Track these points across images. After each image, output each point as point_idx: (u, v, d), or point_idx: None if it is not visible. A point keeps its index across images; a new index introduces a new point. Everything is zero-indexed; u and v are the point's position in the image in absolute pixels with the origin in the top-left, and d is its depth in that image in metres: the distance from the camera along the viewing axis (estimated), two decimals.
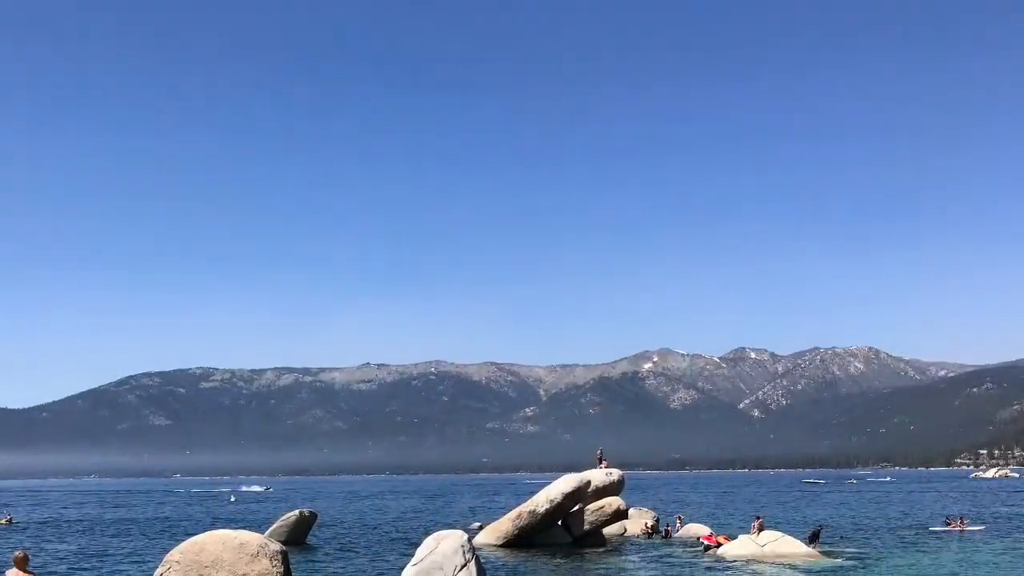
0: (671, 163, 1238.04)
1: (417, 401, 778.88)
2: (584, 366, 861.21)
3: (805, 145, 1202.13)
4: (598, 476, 45.44)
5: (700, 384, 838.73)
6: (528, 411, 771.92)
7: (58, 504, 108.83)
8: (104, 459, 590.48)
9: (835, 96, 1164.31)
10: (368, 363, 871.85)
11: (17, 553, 14.92)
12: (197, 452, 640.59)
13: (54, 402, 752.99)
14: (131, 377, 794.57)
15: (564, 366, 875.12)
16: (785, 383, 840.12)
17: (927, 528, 52.20)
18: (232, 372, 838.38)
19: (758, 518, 41.90)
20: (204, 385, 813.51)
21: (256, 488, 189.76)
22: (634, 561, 37.02)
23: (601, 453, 50.56)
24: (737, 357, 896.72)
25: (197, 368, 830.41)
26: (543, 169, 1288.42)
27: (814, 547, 37.82)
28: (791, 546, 36.71)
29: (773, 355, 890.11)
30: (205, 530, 16.29)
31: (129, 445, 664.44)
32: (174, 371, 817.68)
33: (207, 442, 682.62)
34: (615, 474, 46.53)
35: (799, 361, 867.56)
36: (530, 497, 44.37)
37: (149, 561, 35.64)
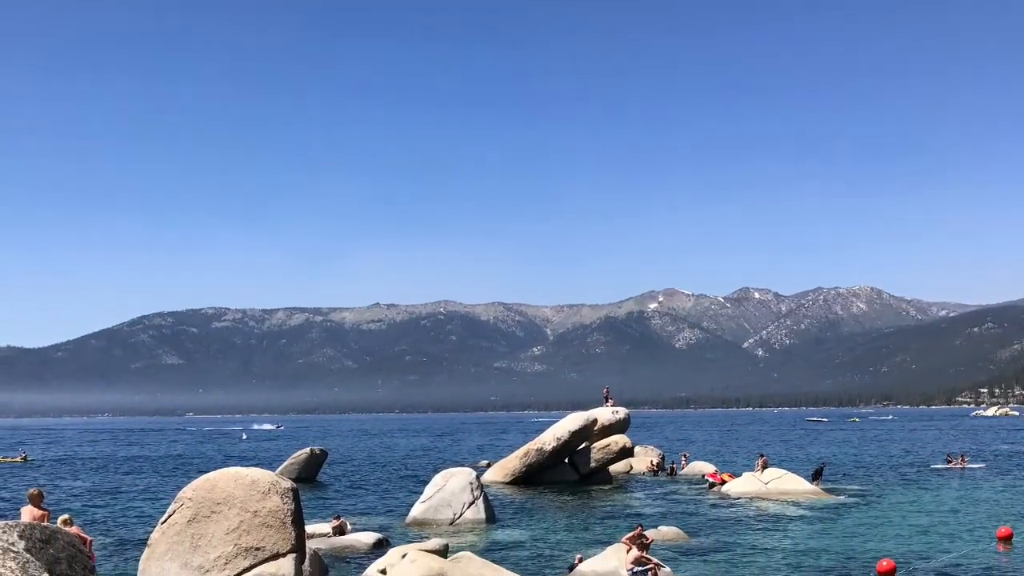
0: (677, 106, 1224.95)
1: (426, 341, 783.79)
2: (590, 306, 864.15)
3: (808, 88, 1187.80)
4: (604, 414, 45.87)
5: (705, 324, 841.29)
6: (535, 350, 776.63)
7: (72, 442, 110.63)
8: (118, 397, 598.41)
9: (837, 39, 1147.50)
10: (378, 303, 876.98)
11: (32, 490, 15.19)
12: (209, 391, 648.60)
13: (69, 342, 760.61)
14: (144, 317, 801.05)
15: (571, 306, 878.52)
16: (788, 323, 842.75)
17: (928, 466, 52.75)
18: (244, 312, 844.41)
19: (762, 456, 42.31)
20: (216, 325, 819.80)
21: (267, 426, 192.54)
22: (640, 498, 37.56)
23: (607, 391, 50.98)
24: (741, 297, 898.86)
25: (209, 308, 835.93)
26: (551, 110, 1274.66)
27: (817, 484, 38.25)
28: (794, 483, 37.13)
29: (777, 295, 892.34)
30: (217, 468, 16.51)
31: (142, 384, 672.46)
32: (186, 311, 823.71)
33: (219, 381, 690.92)
34: (621, 412, 46.95)
35: (802, 301, 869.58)
36: (537, 435, 44.87)
37: (162, 498, 36.32)
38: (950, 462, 51.63)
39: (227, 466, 16.52)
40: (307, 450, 47.30)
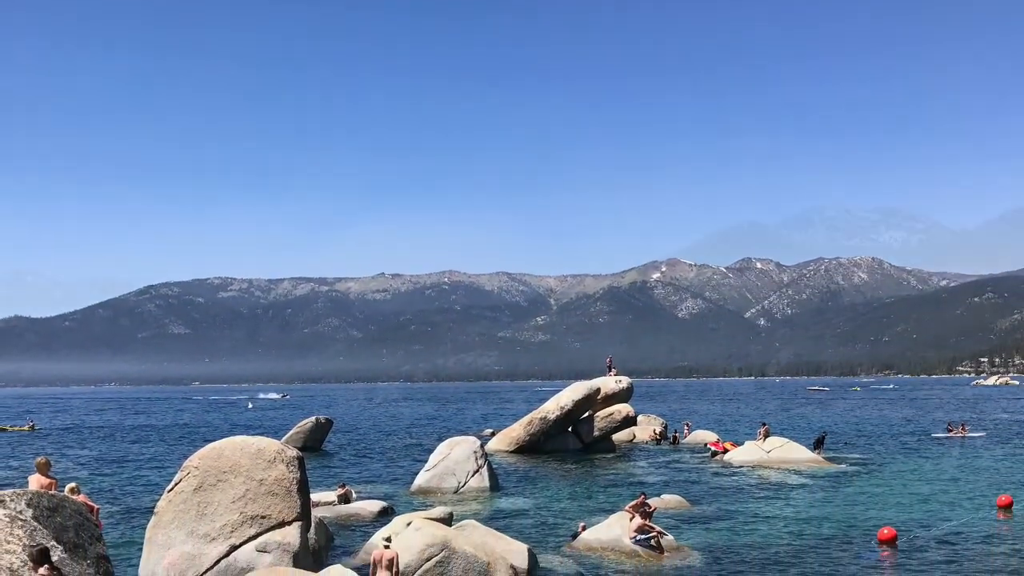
0: (678, 80, 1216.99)
1: (430, 310, 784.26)
2: (594, 276, 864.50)
3: (803, 62, 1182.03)
4: (607, 383, 46.04)
5: (707, 293, 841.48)
6: (539, 320, 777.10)
7: (80, 411, 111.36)
8: (124, 367, 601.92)
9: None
10: (383, 273, 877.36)
11: (39, 459, 15.30)
12: (215, 360, 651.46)
13: (76, 311, 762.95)
14: (151, 287, 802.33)
15: (574, 276, 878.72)
16: (790, 292, 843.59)
17: (929, 434, 52.92)
18: (250, 282, 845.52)
19: (764, 425, 42.52)
20: (222, 295, 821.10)
21: (273, 395, 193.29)
22: (643, 467, 37.78)
23: (611, 360, 51.08)
24: (743, 267, 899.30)
25: (216, 278, 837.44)
26: (556, 84, 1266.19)
27: (819, 453, 38.50)
28: (796, 452, 37.34)
29: (779, 265, 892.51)
30: (223, 436, 16.62)
31: (149, 353, 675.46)
32: (193, 281, 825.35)
33: (225, 350, 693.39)
34: (624, 381, 47.10)
35: (804, 271, 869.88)
36: (541, 404, 45.06)
37: (168, 467, 36.63)
38: (951, 431, 51.81)
39: (233, 435, 16.62)
40: (312, 419, 47.54)
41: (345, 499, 25.61)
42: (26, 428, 69.07)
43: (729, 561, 18.49)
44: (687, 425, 54.70)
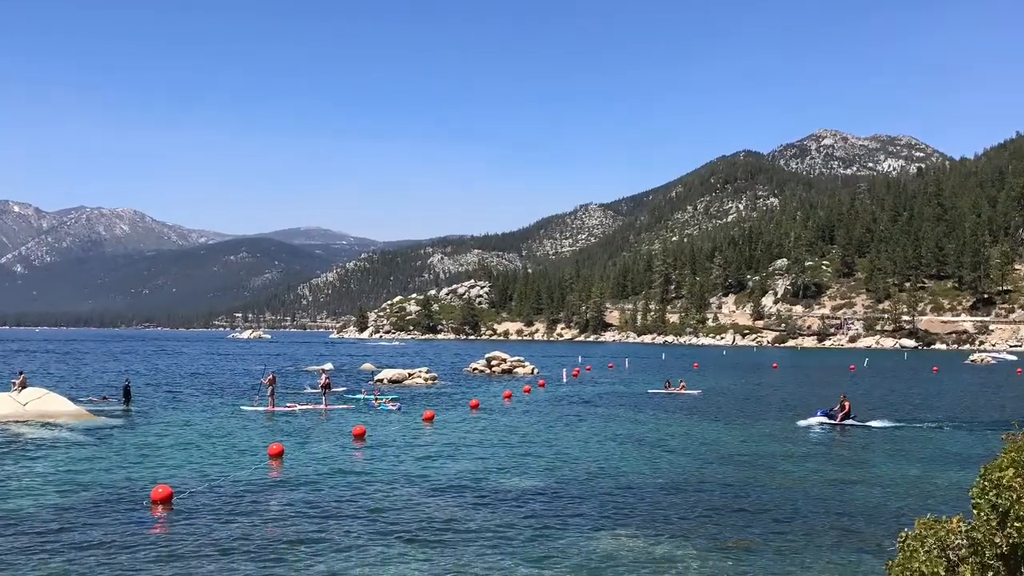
0: None
1: None
2: None
3: None
4: None
5: None
6: None
7: None
8: None
9: None
10: None
11: None
12: None
13: None
14: None
15: None
16: (50, 240, 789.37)
17: (186, 393, 53.65)
18: None
19: (21, 373, 37.93)
20: None
21: None
22: None
23: None
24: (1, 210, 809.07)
25: None
26: None
27: (128, 404, 37.53)
28: (58, 404, 33.94)
29: (38, 210, 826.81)
30: None
31: None
32: None
33: None
34: None
35: (65, 219, 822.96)
36: None
37: None
38: (668, 387, 52.86)
39: None
40: None
41: None
42: None
43: None
44: None
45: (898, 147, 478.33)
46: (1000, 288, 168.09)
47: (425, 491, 20.35)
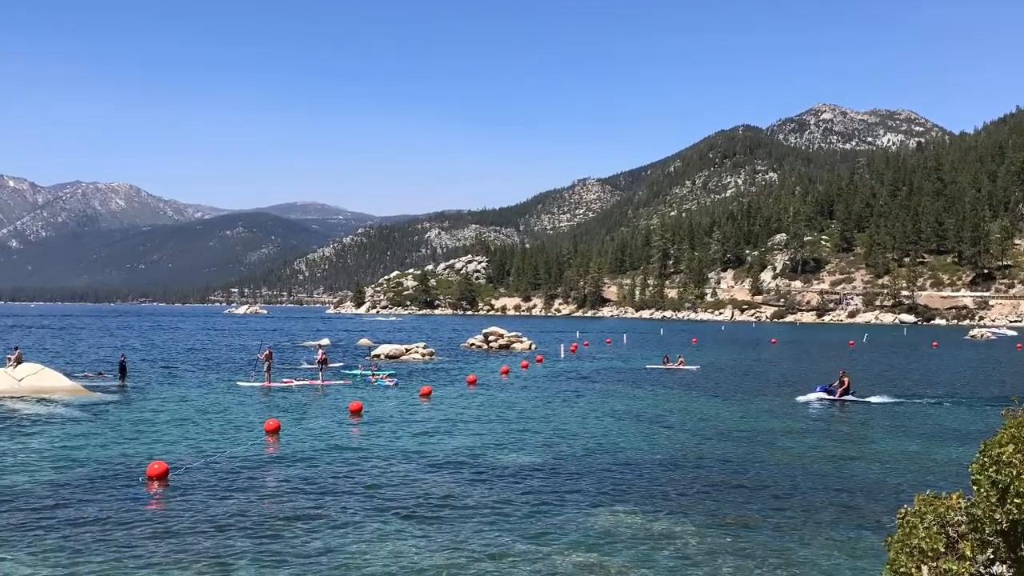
0: None
1: None
2: None
3: None
4: None
5: None
6: None
7: None
8: None
9: None
10: None
11: None
12: None
13: None
14: None
15: None
16: (46, 215, 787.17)
17: (178, 366, 53.49)
18: None
19: (16, 349, 37.72)
20: None
21: None
22: None
23: None
24: None
25: None
26: None
27: (124, 380, 37.35)
28: (53, 380, 33.81)
29: (33, 185, 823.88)
30: None
31: None
32: None
33: None
34: None
35: (60, 193, 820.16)
36: None
37: None
38: (666, 362, 52.80)
39: None
40: None
41: None
42: None
43: None
44: None
45: (897, 122, 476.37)
46: (1000, 263, 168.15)
47: (422, 467, 20.26)
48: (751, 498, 17.42)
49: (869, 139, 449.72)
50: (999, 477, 5.77)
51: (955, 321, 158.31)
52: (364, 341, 78.47)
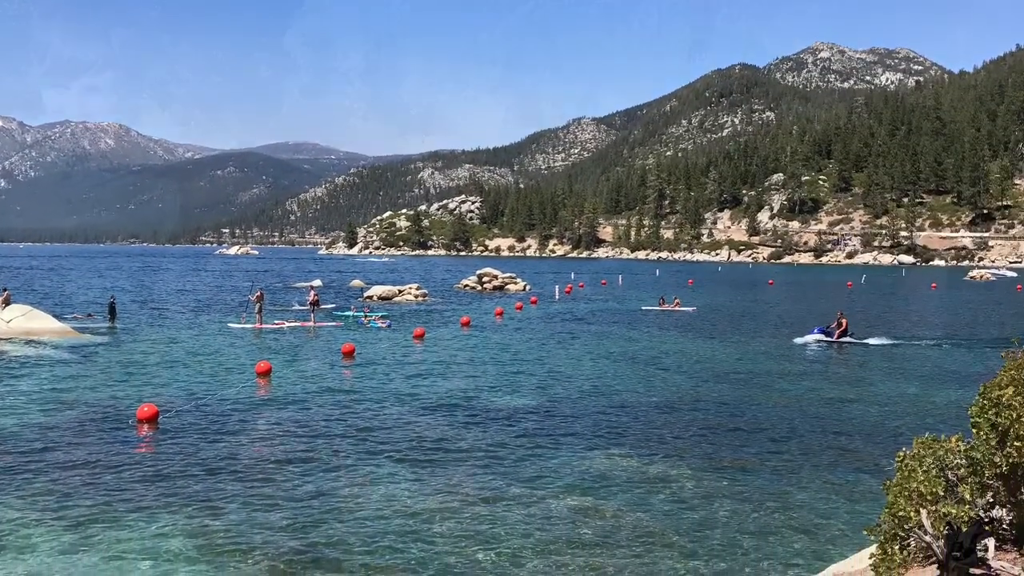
0: None
1: None
2: None
3: None
4: None
5: None
6: None
7: None
8: None
9: None
10: None
11: None
12: None
13: None
14: None
15: None
16: (34, 154, 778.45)
17: (167, 308, 53.19)
18: None
19: (4, 290, 37.38)
20: None
21: None
22: None
23: None
24: None
25: None
26: None
27: (114, 322, 37.18)
28: (41, 321, 33.42)
29: (22, 124, 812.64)
30: None
31: None
32: None
33: None
34: None
35: (49, 133, 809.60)
36: None
37: None
38: (662, 303, 52.53)
39: None
40: None
41: None
42: None
43: None
44: None
45: (896, 60, 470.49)
46: (1000, 203, 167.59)
47: (415, 410, 20.05)
48: (748, 441, 17.26)
49: (867, 78, 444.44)
50: (999, 420, 5.80)
51: (954, 262, 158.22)
52: (356, 282, 78.09)
